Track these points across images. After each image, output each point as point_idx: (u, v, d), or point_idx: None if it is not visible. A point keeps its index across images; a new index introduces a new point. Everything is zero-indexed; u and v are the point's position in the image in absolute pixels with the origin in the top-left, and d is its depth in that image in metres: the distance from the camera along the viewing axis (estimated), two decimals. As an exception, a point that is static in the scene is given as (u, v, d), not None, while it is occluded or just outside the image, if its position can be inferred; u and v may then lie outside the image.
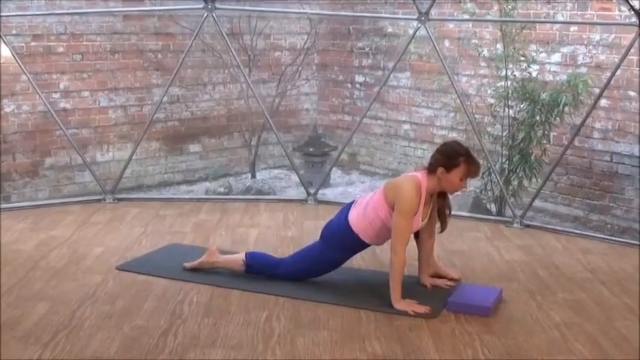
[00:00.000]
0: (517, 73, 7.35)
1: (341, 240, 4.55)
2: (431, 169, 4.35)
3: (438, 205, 4.50)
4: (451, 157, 4.31)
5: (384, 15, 9.29)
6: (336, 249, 4.58)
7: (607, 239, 5.99)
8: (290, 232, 5.82)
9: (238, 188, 8.79)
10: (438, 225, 4.58)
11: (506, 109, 7.32)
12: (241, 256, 4.77)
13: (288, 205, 6.68)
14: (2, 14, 6.73)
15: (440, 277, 4.69)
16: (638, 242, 5.76)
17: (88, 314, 4.20)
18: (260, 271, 4.71)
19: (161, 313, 4.23)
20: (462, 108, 6.87)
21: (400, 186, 4.33)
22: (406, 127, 9.37)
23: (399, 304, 4.26)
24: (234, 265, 4.75)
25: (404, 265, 4.29)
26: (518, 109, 7.29)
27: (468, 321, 4.16)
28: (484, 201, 7.70)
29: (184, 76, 9.02)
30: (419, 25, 6.31)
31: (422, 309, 4.23)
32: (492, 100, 7.60)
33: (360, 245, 4.59)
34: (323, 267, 4.65)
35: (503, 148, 7.35)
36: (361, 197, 4.64)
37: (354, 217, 4.49)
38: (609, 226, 7.46)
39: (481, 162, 7.35)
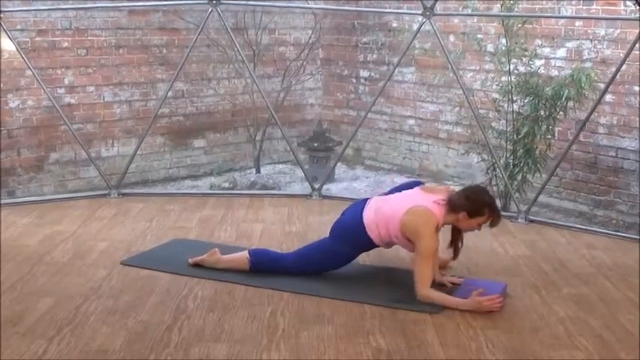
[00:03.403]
0: (521, 68, 7.33)
1: (354, 237, 4.55)
2: (453, 208, 4.34)
3: (452, 236, 4.52)
4: (477, 207, 4.33)
5: (388, 10, 9.28)
6: (348, 245, 4.58)
7: (612, 234, 5.98)
8: (294, 227, 5.82)
9: (243, 183, 8.80)
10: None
11: (511, 104, 7.31)
12: (245, 254, 4.75)
13: (293, 200, 6.69)
14: (7, 9, 6.73)
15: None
16: (642, 237, 5.76)
17: (93, 309, 4.21)
18: (266, 267, 4.70)
19: (166, 308, 4.23)
20: (467, 103, 6.86)
21: (419, 231, 4.27)
22: (411, 122, 9.37)
23: (466, 305, 4.21)
24: (239, 265, 4.73)
25: (438, 292, 4.28)
26: (522, 103, 7.28)
27: (473, 316, 4.15)
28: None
29: (189, 71, 9.01)
30: (424, 20, 6.30)
31: (493, 304, 4.20)
32: (496, 95, 7.60)
33: (372, 246, 4.60)
34: (334, 262, 4.66)
35: (508, 142, 7.35)
36: (375, 200, 4.61)
37: (367, 220, 4.49)
38: (614, 221, 7.45)
39: (486, 157, 7.45)
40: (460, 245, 4.56)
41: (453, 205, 4.35)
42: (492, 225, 4.43)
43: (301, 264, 4.66)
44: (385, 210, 4.46)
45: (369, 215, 4.50)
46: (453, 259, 4.63)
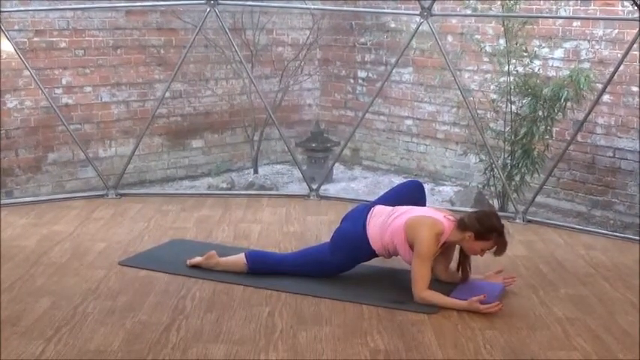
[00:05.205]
0: (520, 69, 7.33)
1: (354, 248, 4.54)
2: (461, 226, 4.31)
3: (460, 260, 4.48)
4: (485, 230, 4.27)
5: (386, 10, 9.29)
6: (347, 256, 4.58)
7: (609, 235, 5.99)
8: (292, 228, 5.82)
9: (241, 184, 8.80)
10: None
11: (509, 105, 7.32)
12: (242, 257, 4.73)
13: (291, 200, 6.68)
14: (5, 9, 6.72)
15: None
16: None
17: (91, 309, 4.21)
18: (264, 270, 4.69)
19: (164, 309, 4.23)
20: (465, 103, 6.86)
21: (422, 232, 4.27)
22: (409, 122, 9.37)
23: (463, 307, 4.20)
24: (236, 267, 4.71)
25: (435, 293, 4.27)
26: (520, 104, 7.28)
27: (471, 316, 4.15)
28: (487, 196, 7.71)
29: (187, 72, 9.01)
30: (421, 21, 6.30)
31: (491, 308, 4.17)
32: (495, 96, 7.59)
33: (372, 256, 4.59)
34: (330, 270, 4.64)
35: (506, 143, 7.35)
36: (379, 208, 4.60)
37: (371, 232, 4.48)
38: (612, 221, 7.45)
39: (483, 157, 7.45)
40: (468, 269, 4.50)
41: (462, 223, 4.31)
42: (497, 253, 4.34)
43: (300, 269, 4.64)
44: (391, 214, 4.47)
45: (373, 227, 4.49)
46: (462, 282, 4.52)
